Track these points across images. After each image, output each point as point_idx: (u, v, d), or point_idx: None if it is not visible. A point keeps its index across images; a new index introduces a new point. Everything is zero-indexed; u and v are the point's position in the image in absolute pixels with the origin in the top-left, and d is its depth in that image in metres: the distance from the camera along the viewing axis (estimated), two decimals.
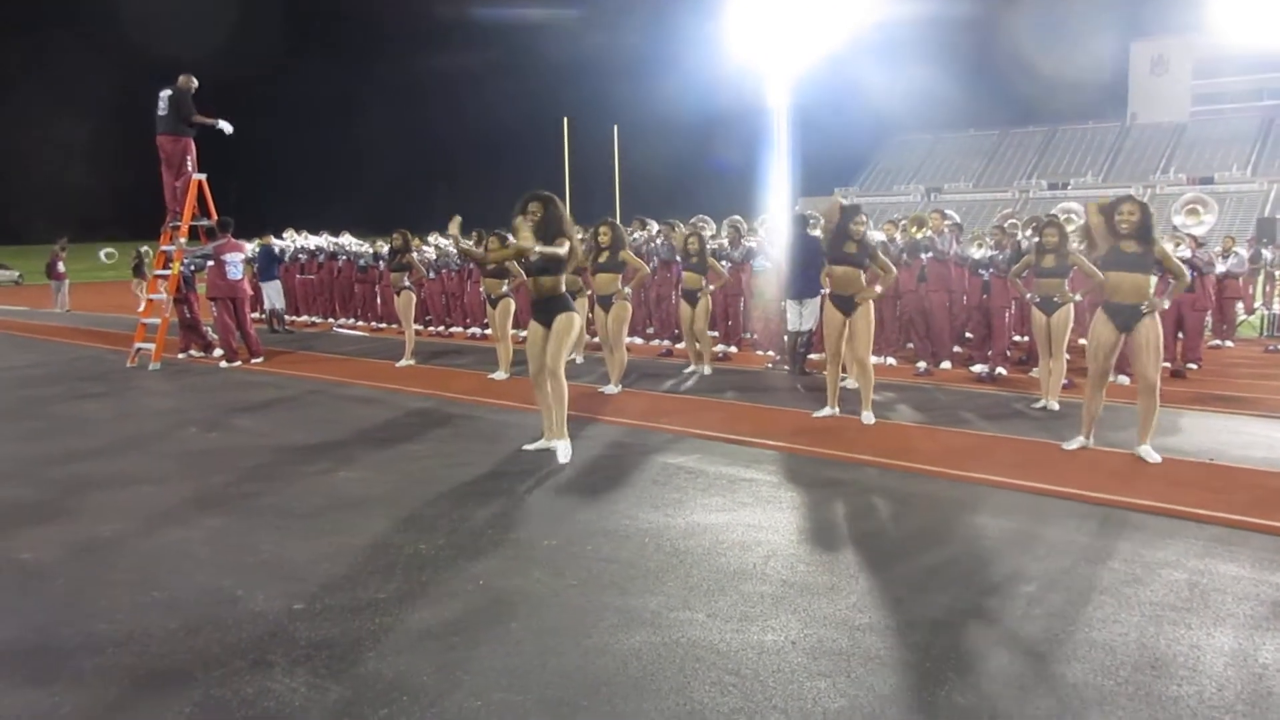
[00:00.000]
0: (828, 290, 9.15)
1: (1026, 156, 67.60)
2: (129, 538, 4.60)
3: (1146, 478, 5.38)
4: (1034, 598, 3.72)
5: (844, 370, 7.42)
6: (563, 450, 6.03)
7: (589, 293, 9.29)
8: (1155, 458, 5.72)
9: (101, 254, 25.74)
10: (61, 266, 21.90)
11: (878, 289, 7.64)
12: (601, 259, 8.54)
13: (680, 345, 11.02)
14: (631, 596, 3.76)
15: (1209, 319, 11.29)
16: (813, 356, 9.90)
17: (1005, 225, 9.83)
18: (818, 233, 10.68)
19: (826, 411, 7.21)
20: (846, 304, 6.98)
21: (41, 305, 22.70)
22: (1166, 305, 6.90)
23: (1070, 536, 4.43)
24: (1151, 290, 5.80)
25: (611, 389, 8.40)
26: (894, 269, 7.47)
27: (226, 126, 10.98)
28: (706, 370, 9.53)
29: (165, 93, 10.68)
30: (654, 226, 12.77)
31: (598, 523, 4.71)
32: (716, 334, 11.35)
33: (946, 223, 9.98)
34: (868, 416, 7.01)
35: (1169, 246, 9.36)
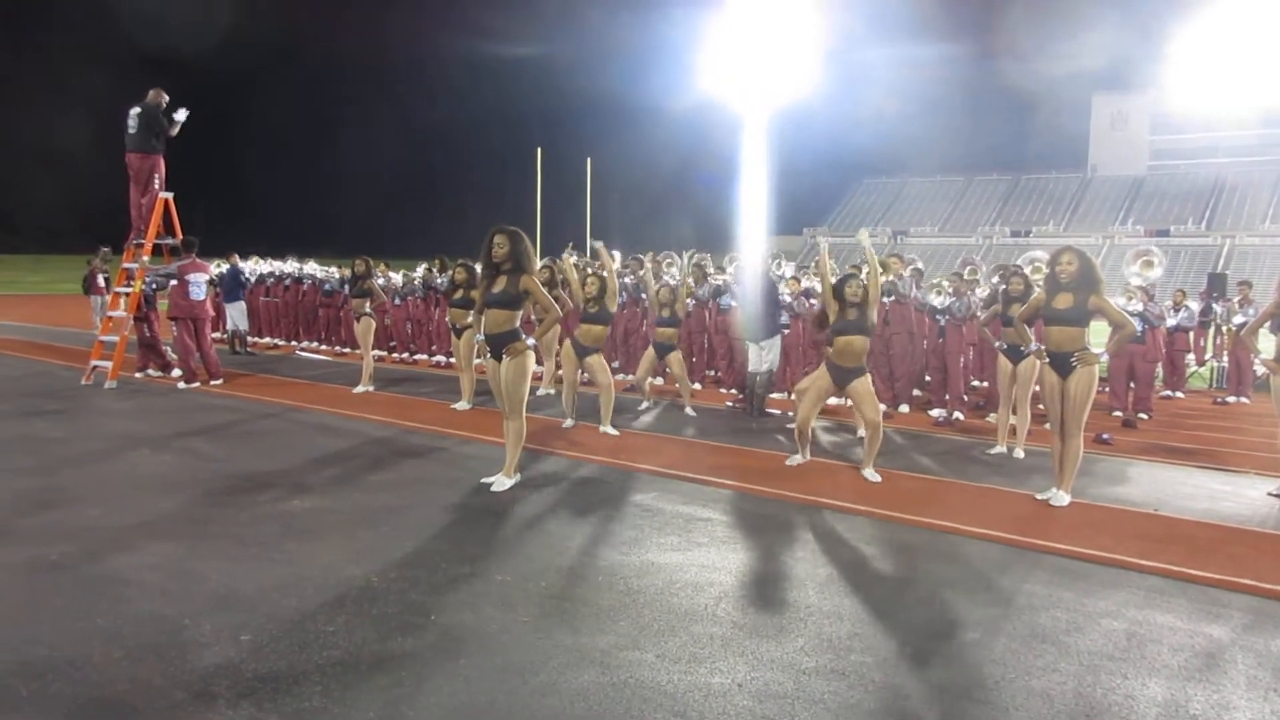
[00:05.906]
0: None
1: (991, 203, 69.13)
2: (75, 562, 4.52)
3: (1093, 527, 5.50)
4: (978, 644, 3.79)
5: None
6: (499, 484, 6.06)
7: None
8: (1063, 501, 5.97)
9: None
10: (102, 280, 18.83)
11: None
12: (591, 308, 8.44)
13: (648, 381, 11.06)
14: (582, 635, 3.77)
15: (1160, 370, 11.58)
16: (773, 396, 9.99)
17: (964, 273, 10.06)
18: (784, 271, 10.87)
19: (797, 459, 7.05)
20: (847, 376, 6.69)
21: (68, 323, 20.35)
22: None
23: (1017, 584, 4.51)
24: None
25: (593, 426, 8.34)
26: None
27: (183, 113, 10.84)
28: (690, 411, 9.47)
29: (135, 110, 10.64)
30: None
31: (552, 559, 4.72)
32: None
33: (908, 268, 10.20)
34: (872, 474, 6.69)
35: (1120, 300, 9.70)
